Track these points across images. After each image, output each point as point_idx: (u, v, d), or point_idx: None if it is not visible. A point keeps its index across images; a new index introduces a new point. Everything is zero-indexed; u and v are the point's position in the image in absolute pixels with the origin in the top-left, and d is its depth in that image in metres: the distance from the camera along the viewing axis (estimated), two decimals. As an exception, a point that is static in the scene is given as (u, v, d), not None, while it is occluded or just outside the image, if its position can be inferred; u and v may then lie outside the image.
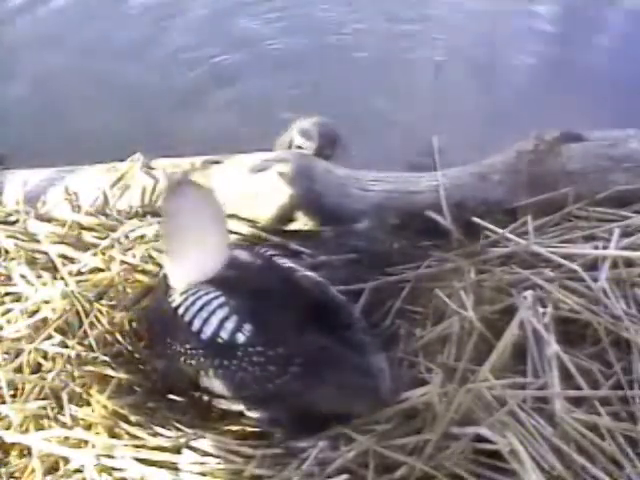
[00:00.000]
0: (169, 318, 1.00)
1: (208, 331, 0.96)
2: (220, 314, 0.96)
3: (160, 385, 1.05)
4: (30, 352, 1.05)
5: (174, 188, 1.06)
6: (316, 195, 1.29)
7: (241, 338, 0.94)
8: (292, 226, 1.30)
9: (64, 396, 0.99)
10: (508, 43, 1.89)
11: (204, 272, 1.01)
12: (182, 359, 0.98)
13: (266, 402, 0.96)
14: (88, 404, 1.00)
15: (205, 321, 0.96)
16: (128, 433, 0.96)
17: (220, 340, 0.95)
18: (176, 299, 1.00)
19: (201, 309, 0.97)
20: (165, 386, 1.05)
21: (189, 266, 1.02)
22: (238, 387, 0.95)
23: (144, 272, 1.19)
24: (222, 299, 0.97)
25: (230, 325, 0.95)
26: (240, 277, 1.01)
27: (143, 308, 1.14)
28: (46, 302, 1.11)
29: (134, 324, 1.13)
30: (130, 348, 1.10)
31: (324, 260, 1.22)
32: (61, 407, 0.99)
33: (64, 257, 1.21)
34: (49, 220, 1.32)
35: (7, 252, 1.22)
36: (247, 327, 0.95)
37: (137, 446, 0.94)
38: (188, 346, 0.97)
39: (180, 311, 0.98)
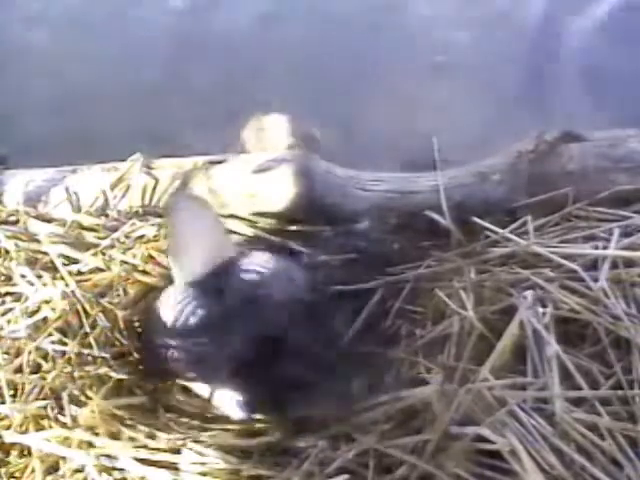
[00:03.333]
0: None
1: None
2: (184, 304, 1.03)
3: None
4: (30, 352, 1.05)
5: (174, 203, 1.13)
6: (316, 195, 1.29)
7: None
8: (292, 226, 1.30)
9: (64, 396, 0.99)
10: (509, 42, 1.89)
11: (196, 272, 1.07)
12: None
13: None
14: (88, 404, 1.00)
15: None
16: (128, 433, 0.96)
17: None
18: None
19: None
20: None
21: (188, 267, 1.07)
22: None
23: (144, 272, 1.19)
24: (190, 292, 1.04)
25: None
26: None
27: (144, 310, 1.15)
28: (46, 302, 1.11)
29: (135, 324, 1.13)
30: (130, 348, 1.10)
31: (324, 260, 1.22)
32: (61, 407, 0.99)
33: (64, 257, 1.20)
34: (50, 220, 1.32)
35: (7, 252, 1.22)
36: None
37: (137, 446, 0.94)
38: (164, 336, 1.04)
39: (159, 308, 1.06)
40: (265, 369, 0.97)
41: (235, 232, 1.26)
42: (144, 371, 1.09)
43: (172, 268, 1.09)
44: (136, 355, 1.10)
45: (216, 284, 1.05)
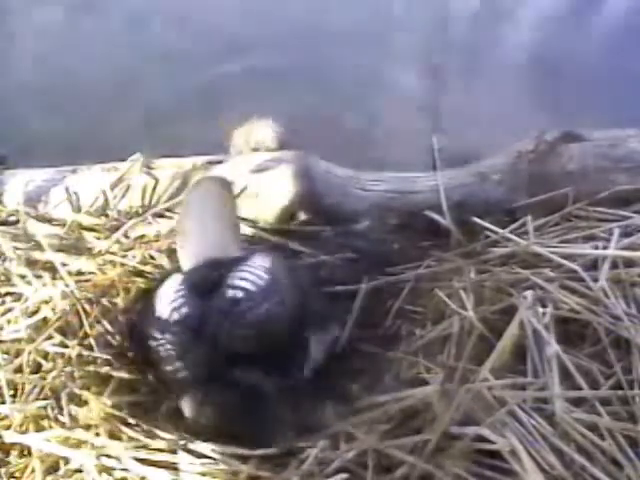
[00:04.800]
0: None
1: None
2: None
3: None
4: (30, 352, 1.05)
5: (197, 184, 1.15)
6: (316, 195, 1.29)
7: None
8: (292, 226, 1.30)
9: (64, 396, 0.99)
10: (509, 42, 1.89)
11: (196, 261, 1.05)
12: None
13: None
14: (88, 404, 1.00)
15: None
16: (128, 433, 0.96)
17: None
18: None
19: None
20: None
21: (191, 251, 1.07)
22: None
23: (144, 273, 1.19)
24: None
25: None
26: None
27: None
28: (46, 302, 1.11)
29: (134, 324, 1.13)
30: (130, 348, 1.10)
31: (324, 260, 1.22)
32: (61, 407, 0.99)
33: (64, 257, 1.20)
34: (49, 220, 1.33)
35: (7, 252, 1.22)
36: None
37: (137, 446, 0.94)
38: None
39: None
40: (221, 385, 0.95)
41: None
42: (132, 357, 1.08)
43: (178, 251, 1.09)
44: (130, 353, 1.10)
45: (205, 286, 1.00)
